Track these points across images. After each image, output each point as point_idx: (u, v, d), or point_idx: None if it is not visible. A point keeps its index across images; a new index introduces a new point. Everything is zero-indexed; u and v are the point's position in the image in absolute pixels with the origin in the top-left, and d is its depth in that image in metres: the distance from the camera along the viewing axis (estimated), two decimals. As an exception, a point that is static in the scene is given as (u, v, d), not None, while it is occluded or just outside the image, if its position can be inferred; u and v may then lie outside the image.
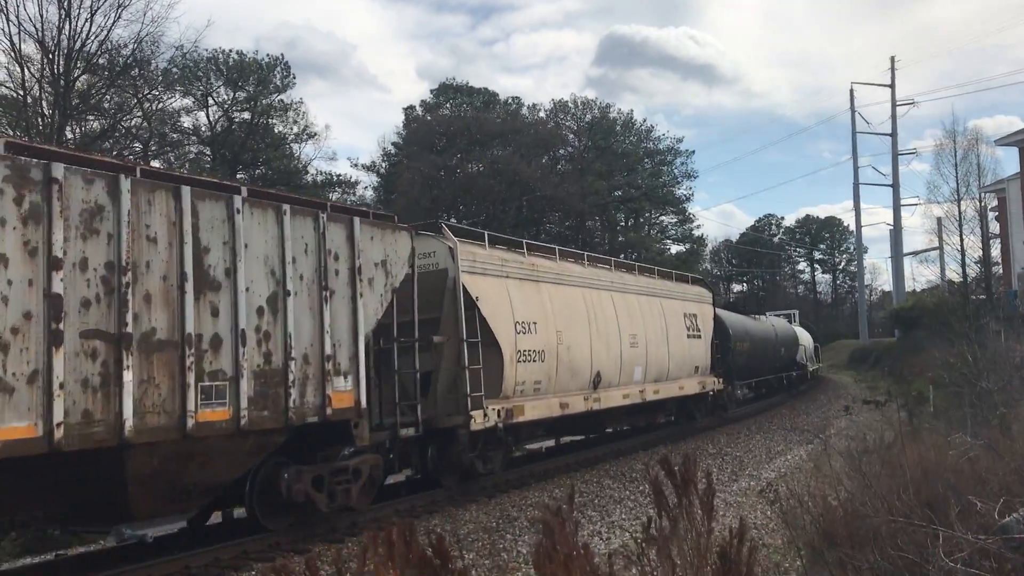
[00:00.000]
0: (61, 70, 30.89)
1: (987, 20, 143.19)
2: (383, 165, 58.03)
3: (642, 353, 18.89)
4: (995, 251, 43.97)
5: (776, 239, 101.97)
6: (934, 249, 53.71)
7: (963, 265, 41.49)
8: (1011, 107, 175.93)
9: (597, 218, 60.92)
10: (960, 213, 41.28)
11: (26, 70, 30.90)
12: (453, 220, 56.13)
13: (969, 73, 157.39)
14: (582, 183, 53.22)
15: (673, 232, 72.43)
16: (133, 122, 38.24)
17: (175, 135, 44.40)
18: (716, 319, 24.82)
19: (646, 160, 66.81)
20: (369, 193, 58.01)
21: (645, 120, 69.62)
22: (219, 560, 9.55)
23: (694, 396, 22.65)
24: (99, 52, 32.52)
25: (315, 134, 51.88)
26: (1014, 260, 40.09)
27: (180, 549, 9.86)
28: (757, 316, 36.52)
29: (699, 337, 22.81)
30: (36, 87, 31.14)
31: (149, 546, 9.52)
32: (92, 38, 31.76)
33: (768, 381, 34.21)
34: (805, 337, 42.45)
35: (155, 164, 42.70)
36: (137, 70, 35.95)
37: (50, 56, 30.78)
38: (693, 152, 75.15)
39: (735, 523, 10.53)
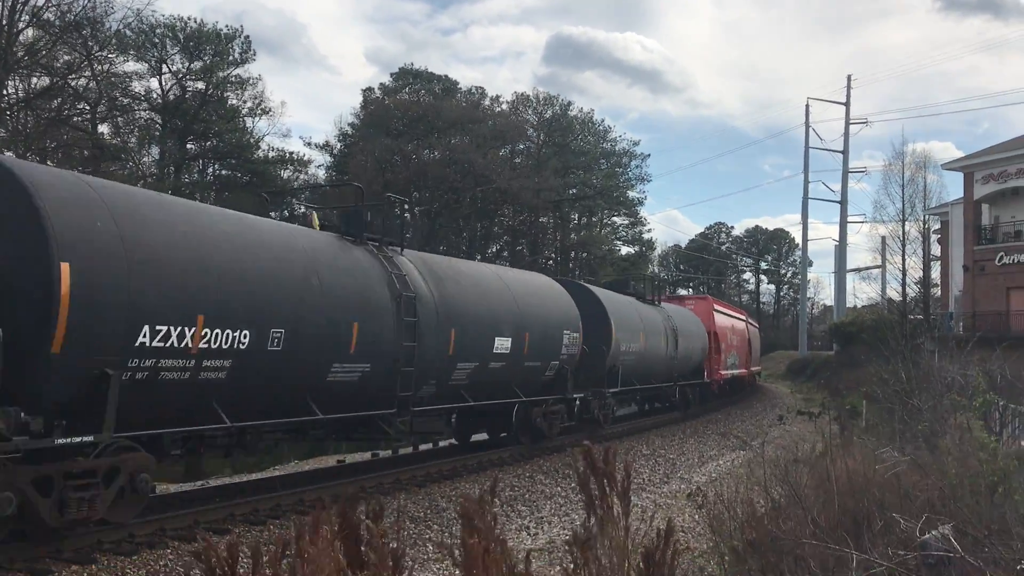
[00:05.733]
0: (5, 21, 29.81)
1: (934, 49, 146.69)
2: (337, 145, 57.25)
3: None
4: (935, 273, 45.00)
5: (724, 247, 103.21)
6: (877, 267, 54.84)
7: (903, 284, 42.34)
8: (948, 134, 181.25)
9: (551, 214, 60.90)
10: (904, 234, 42.08)
11: (-32, 19, 29.78)
12: (406, 206, 55.73)
13: (914, 98, 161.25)
14: (538, 178, 53.07)
15: (624, 234, 72.87)
16: (81, 82, 37.09)
17: (125, 99, 43.18)
18: None
19: (602, 160, 66.96)
20: (321, 173, 57.25)
21: (604, 120, 69.43)
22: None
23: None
24: (47, 5, 31.48)
25: (269, 110, 50.96)
26: (952, 283, 41.06)
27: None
28: None
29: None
30: (-22, 37, 30.03)
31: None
32: (41, -10, 30.75)
33: None
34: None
35: (103, 128, 41.51)
36: (89, 29, 34.88)
37: (-6, 6, 29.70)
38: (648, 156, 75.52)
39: (663, 524, 10.46)
